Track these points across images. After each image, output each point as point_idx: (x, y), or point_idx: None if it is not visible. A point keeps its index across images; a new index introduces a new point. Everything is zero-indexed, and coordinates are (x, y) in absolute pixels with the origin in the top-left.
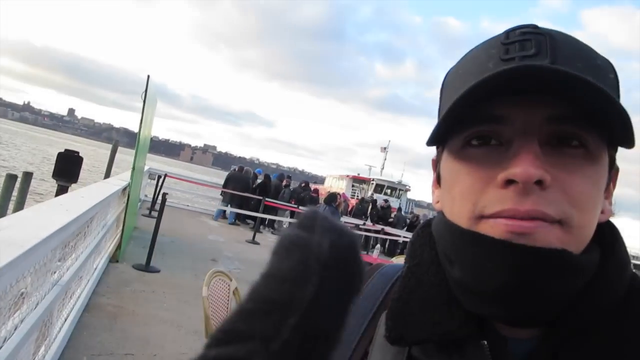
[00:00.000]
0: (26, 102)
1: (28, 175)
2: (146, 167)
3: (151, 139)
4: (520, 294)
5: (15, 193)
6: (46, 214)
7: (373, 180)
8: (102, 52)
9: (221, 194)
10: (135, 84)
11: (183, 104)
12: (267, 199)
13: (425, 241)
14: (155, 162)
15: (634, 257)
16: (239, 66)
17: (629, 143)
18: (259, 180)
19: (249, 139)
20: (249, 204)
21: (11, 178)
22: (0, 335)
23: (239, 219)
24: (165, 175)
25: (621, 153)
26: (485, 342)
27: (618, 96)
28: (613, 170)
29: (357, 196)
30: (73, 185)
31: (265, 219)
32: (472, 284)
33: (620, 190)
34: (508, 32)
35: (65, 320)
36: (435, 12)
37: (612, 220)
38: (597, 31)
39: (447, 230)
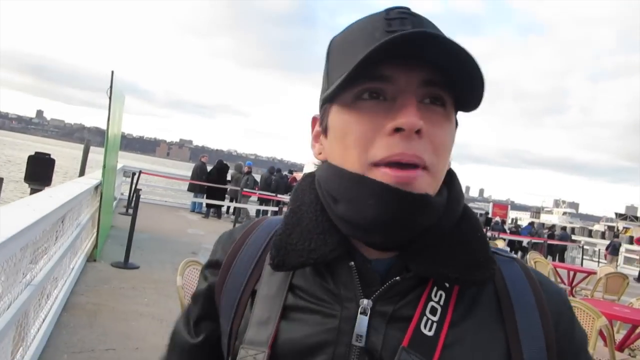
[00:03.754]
0: None
1: None
2: (120, 165)
3: (125, 136)
4: (393, 227)
5: None
6: (12, 214)
7: None
8: (68, 51)
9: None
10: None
11: (156, 100)
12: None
13: (306, 187)
14: (131, 160)
15: (606, 218)
16: (210, 57)
17: (472, 106)
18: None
19: (225, 131)
20: (213, 192)
21: None
22: None
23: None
24: (140, 172)
25: (598, 120)
26: (352, 263)
27: None
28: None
29: None
30: (47, 189)
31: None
32: (356, 218)
33: (595, 156)
34: (388, 10)
35: (44, 320)
36: None
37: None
38: None
39: (336, 175)
